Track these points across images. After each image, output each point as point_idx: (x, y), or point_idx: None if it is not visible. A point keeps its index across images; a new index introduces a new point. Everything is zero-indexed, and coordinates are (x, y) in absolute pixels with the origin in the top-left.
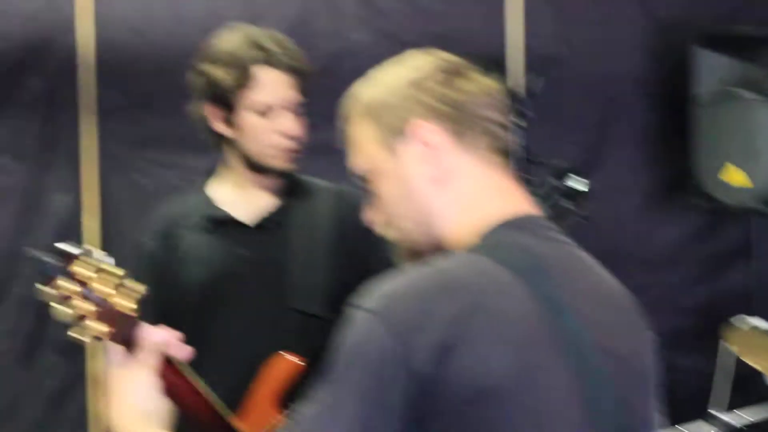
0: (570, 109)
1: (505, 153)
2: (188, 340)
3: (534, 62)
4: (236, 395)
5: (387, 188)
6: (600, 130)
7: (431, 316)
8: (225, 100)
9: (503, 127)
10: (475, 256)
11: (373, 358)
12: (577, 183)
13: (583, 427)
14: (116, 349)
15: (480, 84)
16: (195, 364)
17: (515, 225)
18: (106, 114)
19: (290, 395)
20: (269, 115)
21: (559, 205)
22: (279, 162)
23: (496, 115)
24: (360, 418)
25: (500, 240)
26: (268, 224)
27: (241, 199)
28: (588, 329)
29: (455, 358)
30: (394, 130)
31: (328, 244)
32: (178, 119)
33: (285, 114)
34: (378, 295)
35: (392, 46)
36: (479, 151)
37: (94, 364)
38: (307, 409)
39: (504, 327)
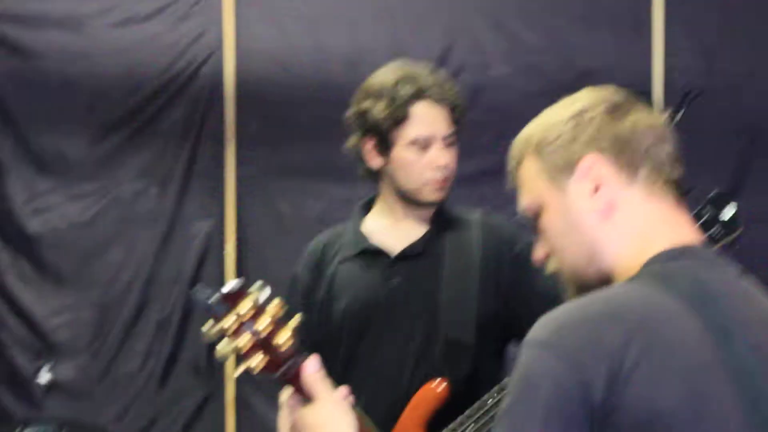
0: (711, 142)
1: (673, 184)
2: (340, 370)
3: (673, 95)
4: (385, 423)
5: (554, 223)
6: (742, 161)
7: (602, 344)
8: (381, 134)
9: (671, 160)
10: (641, 285)
11: (549, 391)
12: (734, 212)
13: None
14: (292, 389)
15: (645, 117)
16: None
17: (681, 254)
18: (246, 143)
19: (438, 423)
20: (424, 148)
21: (718, 235)
22: (432, 195)
23: (662, 148)
24: None
25: (666, 268)
26: (419, 254)
27: (394, 229)
28: (758, 356)
29: (628, 385)
30: (560, 166)
31: (476, 272)
32: (321, 149)
33: (439, 147)
34: (547, 327)
35: (534, 79)
36: (645, 182)
37: (229, 387)
38: None
39: (674, 353)
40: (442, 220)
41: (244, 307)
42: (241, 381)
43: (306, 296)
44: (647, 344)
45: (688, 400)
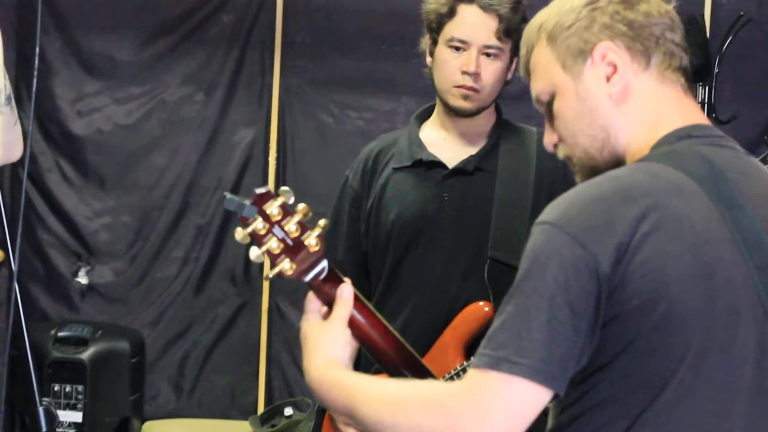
0: (757, 70)
1: (682, 71)
2: (384, 281)
3: (723, 21)
4: (425, 340)
5: (568, 108)
6: None
7: (610, 220)
8: (431, 30)
9: (681, 47)
10: (651, 163)
11: (557, 265)
12: None
13: (766, 320)
14: (312, 297)
15: (657, 5)
16: (387, 302)
17: (689, 134)
18: (290, 51)
19: (478, 344)
20: (459, 51)
21: None
22: (456, 100)
23: (673, 36)
24: (551, 323)
25: (675, 147)
26: (472, 168)
27: (450, 141)
28: (766, 227)
29: (636, 257)
30: (574, 52)
31: (530, 192)
32: (363, 61)
33: (474, 53)
34: (557, 207)
35: None
36: (657, 68)
37: (264, 295)
38: (498, 322)
39: (682, 227)
40: (500, 135)
41: (272, 209)
42: (275, 291)
43: (355, 203)
44: (656, 219)
45: (697, 270)
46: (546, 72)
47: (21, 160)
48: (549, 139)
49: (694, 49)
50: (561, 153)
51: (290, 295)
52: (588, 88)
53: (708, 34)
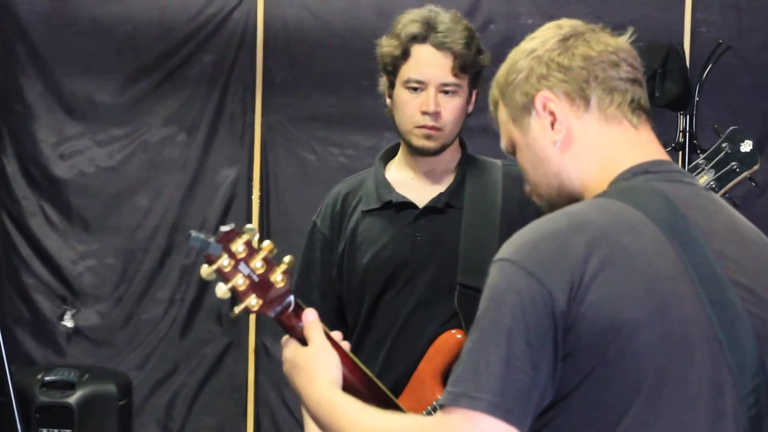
0: (737, 97)
1: (635, 106)
2: (357, 319)
3: (702, 49)
4: (404, 373)
5: (524, 159)
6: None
7: (564, 256)
8: (387, 71)
9: (630, 81)
10: (606, 200)
11: (514, 300)
12: (752, 147)
13: (721, 353)
14: (290, 326)
15: (601, 45)
16: (366, 342)
17: (645, 170)
18: (272, 89)
19: None
20: (417, 91)
21: (733, 170)
22: (419, 140)
23: (617, 72)
24: (508, 358)
25: (630, 184)
26: (442, 205)
27: (417, 180)
28: (722, 263)
29: (589, 293)
30: (520, 106)
31: (497, 224)
32: (345, 98)
33: (432, 92)
34: (513, 243)
35: None
36: (598, 109)
37: (251, 334)
38: (461, 359)
39: (635, 260)
40: (466, 170)
41: (238, 246)
42: (261, 330)
43: (326, 249)
44: (608, 254)
45: (651, 306)
46: (504, 127)
47: (9, 207)
48: (525, 188)
49: (674, 77)
50: (533, 198)
51: (277, 333)
52: (536, 138)
53: (688, 63)
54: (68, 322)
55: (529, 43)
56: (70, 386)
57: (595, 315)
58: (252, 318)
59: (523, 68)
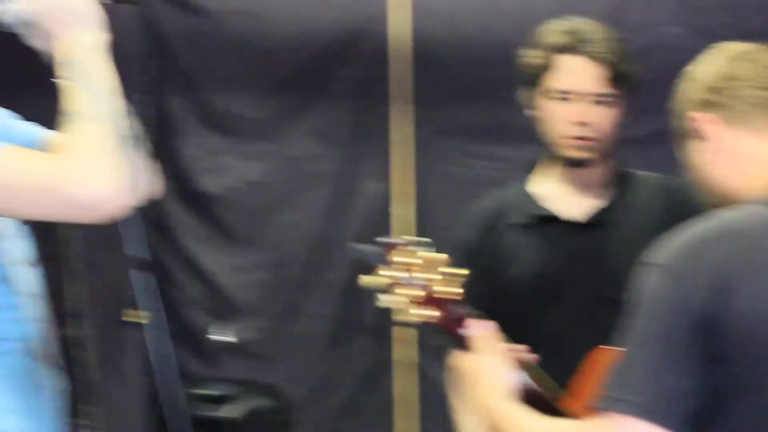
0: None
1: None
2: (508, 336)
3: None
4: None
5: (693, 174)
6: None
7: (703, 260)
8: (531, 82)
9: None
10: (757, 206)
11: (661, 304)
12: None
13: None
14: (460, 336)
15: (761, 63)
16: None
17: None
18: (421, 104)
19: None
20: (567, 102)
21: None
22: (568, 151)
23: None
24: (656, 361)
25: None
26: (594, 221)
27: (564, 193)
28: None
29: (735, 298)
30: (685, 126)
31: (654, 236)
32: (493, 110)
33: (580, 102)
34: (663, 249)
35: (704, 41)
36: (758, 126)
37: (400, 349)
38: (615, 364)
39: None
40: (620, 184)
41: (403, 258)
42: (413, 343)
43: (471, 263)
44: (752, 258)
45: None
46: (681, 143)
47: (159, 223)
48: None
49: None
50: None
51: (432, 347)
52: (697, 155)
53: None
54: (220, 336)
55: (697, 67)
56: (225, 400)
57: (739, 320)
58: (402, 331)
59: (683, 89)
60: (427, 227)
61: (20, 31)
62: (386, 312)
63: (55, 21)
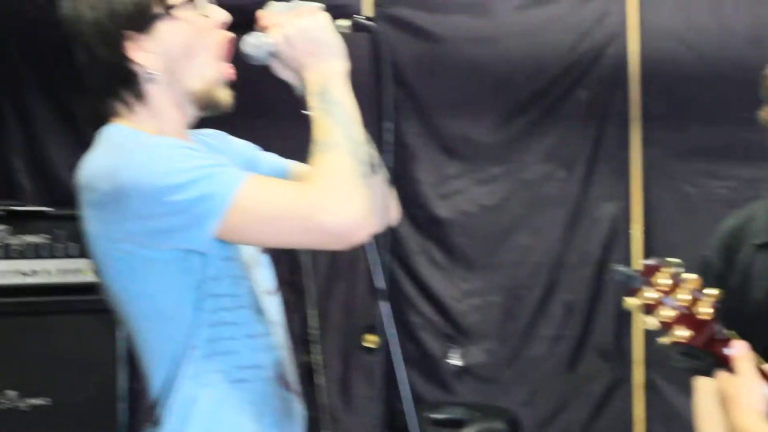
0: None
1: None
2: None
3: None
4: None
5: None
6: None
7: None
8: None
9: None
10: None
11: None
12: None
13: None
14: (719, 356)
15: None
16: None
17: None
18: (651, 124)
19: None
20: None
21: None
22: None
23: None
24: None
25: None
26: None
27: None
28: None
29: None
30: None
31: None
32: (727, 129)
33: None
34: None
35: None
36: None
37: (637, 370)
38: None
39: None
40: None
41: (663, 280)
42: (649, 365)
43: (716, 283)
44: None
45: None
46: None
47: (395, 248)
48: None
49: None
50: None
51: (665, 369)
52: None
53: None
54: (455, 360)
55: None
56: (459, 424)
57: None
58: (639, 353)
59: None
60: (659, 248)
61: (268, 63)
62: (625, 333)
63: (304, 52)
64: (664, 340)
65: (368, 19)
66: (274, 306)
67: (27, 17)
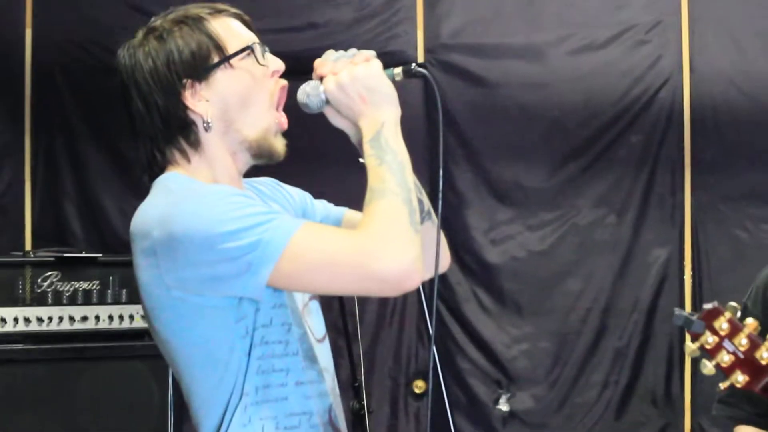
0: None
1: None
2: None
3: None
4: None
5: None
6: None
7: None
8: None
9: None
10: None
11: None
12: None
13: None
14: None
15: None
16: None
17: None
18: (702, 168)
19: None
20: None
21: None
22: None
23: None
24: None
25: None
26: None
27: None
28: None
29: None
30: None
31: None
32: None
33: None
34: None
35: None
36: None
37: (686, 416)
38: None
39: None
40: None
41: (722, 324)
42: (697, 411)
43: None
44: None
45: None
46: None
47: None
48: None
49: None
50: None
51: (713, 416)
52: None
53: None
54: (503, 406)
55: None
56: None
57: None
58: (687, 400)
59: None
60: (711, 293)
61: (323, 111)
62: (674, 379)
63: (358, 100)
64: (723, 384)
65: (420, 65)
66: (323, 353)
67: (81, 64)
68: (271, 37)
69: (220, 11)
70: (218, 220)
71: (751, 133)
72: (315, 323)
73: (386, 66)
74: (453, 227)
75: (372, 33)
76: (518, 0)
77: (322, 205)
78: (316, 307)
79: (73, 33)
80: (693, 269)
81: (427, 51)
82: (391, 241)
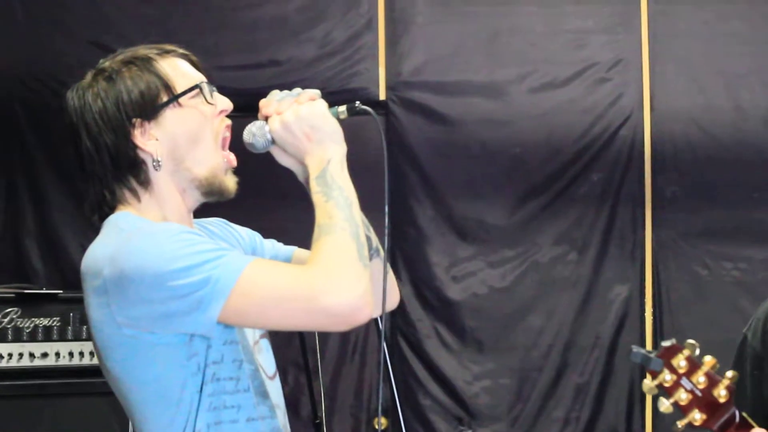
0: None
1: None
2: None
3: None
4: None
5: None
6: None
7: None
8: None
9: None
10: None
11: None
12: None
13: None
14: None
15: None
16: None
17: None
18: (663, 205)
19: None
20: None
21: None
22: None
23: None
24: None
25: None
26: None
27: None
28: None
29: None
30: None
31: None
32: (739, 210)
33: None
34: None
35: None
36: None
37: None
38: None
39: None
40: None
41: (680, 361)
42: None
43: (756, 365)
44: None
45: None
46: None
47: (405, 330)
48: None
49: None
50: None
51: None
52: None
53: None
54: None
55: None
56: None
57: None
58: None
59: None
60: (670, 331)
61: (269, 150)
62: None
63: (303, 138)
64: (680, 423)
65: (364, 104)
66: (275, 389)
67: (41, 99)
68: (234, 74)
69: (168, 51)
70: (168, 257)
71: (711, 170)
72: (266, 360)
73: (331, 105)
74: (414, 263)
75: (334, 70)
76: (479, 38)
77: (271, 244)
78: (266, 344)
79: (33, 68)
80: (654, 306)
81: (389, 88)
82: (339, 275)
